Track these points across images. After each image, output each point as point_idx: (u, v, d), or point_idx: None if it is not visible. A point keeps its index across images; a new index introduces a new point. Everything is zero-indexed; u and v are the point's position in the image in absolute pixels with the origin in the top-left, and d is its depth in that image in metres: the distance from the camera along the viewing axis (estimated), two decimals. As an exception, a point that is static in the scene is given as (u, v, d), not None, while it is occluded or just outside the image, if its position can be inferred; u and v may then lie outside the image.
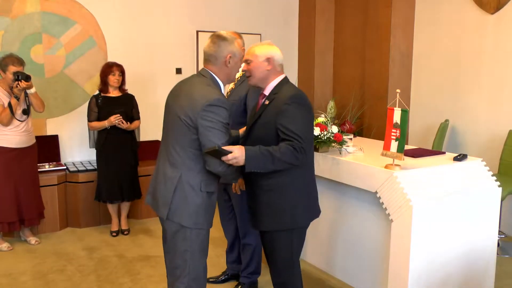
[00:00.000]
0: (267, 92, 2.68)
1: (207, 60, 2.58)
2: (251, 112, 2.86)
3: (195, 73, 2.70)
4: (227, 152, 2.34)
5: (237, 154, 2.37)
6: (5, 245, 4.38)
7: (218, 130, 2.39)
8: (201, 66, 6.08)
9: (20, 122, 4.26)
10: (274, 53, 2.65)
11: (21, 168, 4.36)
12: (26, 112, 4.29)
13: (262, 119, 2.61)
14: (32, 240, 4.54)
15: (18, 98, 4.18)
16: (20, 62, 4.24)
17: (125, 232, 4.79)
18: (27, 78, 4.14)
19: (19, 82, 4.11)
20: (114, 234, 4.75)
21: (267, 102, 2.63)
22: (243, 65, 3.34)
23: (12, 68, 4.16)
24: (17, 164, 4.33)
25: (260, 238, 2.83)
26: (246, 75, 2.73)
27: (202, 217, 2.53)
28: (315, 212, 2.74)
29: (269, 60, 2.64)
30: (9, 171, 4.30)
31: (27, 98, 4.29)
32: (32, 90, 4.29)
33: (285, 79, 2.70)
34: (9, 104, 4.15)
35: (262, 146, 2.47)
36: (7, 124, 4.19)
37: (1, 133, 4.22)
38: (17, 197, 4.37)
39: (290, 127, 2.47)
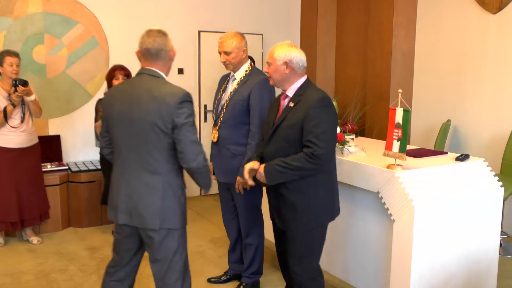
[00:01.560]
0: (290, 93, 2.69)
1: (154, 55, 2.47)
2: (270, 113, 2.85)
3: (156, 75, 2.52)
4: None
5: (259, 171, 2.64)
6: None
7: (192, 126, 2.41)
8: (202, 66, 6.07)
9: (18, 123, 4.26)
10: (292, 56, 2.63)
11: (23, 168, 4.37)
12: (22, 120, 4.28)
13: (288, 121, 2.62)
14: (34, 240, 4.55)
15: (14, 106, 4.17)
16: (15, 54, 4.25)
17: None
18: (25, 83, 4.12)
19: (17, 87, 4.09)
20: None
21: (291, 104, 2.64)
22: (248, 62, 3.37)
23: (9, 59, 4.17)
24: (19, 164, 4.34)
25: (278, 236, 2.87)
26: (268, 76, 2.75)
27: (185, 214, 2.56)
28: (336, 212, 2.78)
29: (287, 64, 2.64)
30: (10, 171, 4.30)
31: (23, 106, 4.27)
32: (32, 98, 4.26)
33: (308, 81, 2.72)
34: (4, 110, 4.15)
35: (283, 158, 2.57)
36: None
37: (1, 133, 4.22)
38: (19, 197, 4.38)
39: (315, 131, 2.50)
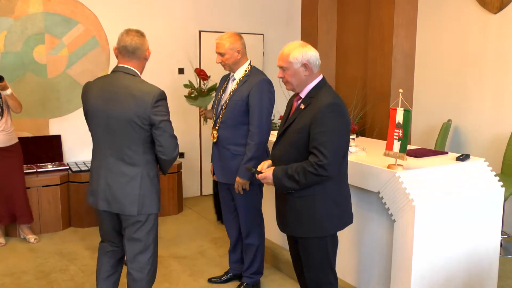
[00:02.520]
0: (303, 94, 2.58)
1: (131, 53, 2.66)
2: (284, 113, 2.77)
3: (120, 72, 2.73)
4: (259, 172, 2.63)
5: (266, 174, 2.56)
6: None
7: (169, 121, 2.63)
8: (203, 66, 6.06)
9: None
10: (309, 56, 2.51)
11: (2, 167, 4.36)
12: (0, 113, 4.28)
13: (296, 124, 2.53)
14: (32, 238, 4.55)
15: None
16: None
17: None
18: (0, 79, 4.13)
19: None
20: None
21: (302, 106, 2.54)
22: (248, 62, 3.35)
23: None
24: None
25: (290, 243, 2.82)
26: (283, 81, 2.61)
27: (160, 199, 2.81)
28: (347, 219, 2.69)
29: (305, 65, 2.51)
30: None
31: (0, 99, 4.27)
32: (8, 92, 4.25)
33: (323, 81, 2.59)
34: None
35: (291, 166, 2.48)
36: None
37: None
38: (2, 195, 4.40)
39: (321, 138, 2.40)
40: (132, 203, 2.65)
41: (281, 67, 2.57)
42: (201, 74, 4.24)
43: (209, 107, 4.25)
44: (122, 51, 2.66)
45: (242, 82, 3.30)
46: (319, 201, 2.53)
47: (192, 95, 4.24)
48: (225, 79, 3.49)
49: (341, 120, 2.48)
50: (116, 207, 2.68)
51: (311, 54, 2.53)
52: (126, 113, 2.56)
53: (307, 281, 2.73)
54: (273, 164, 2.68)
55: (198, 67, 5.89)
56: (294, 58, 2.51)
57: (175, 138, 2.67)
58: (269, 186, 2.69)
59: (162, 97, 2.60)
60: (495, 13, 4.67)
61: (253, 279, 3.55)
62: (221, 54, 3.28)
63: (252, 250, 3.49)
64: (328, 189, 2.53)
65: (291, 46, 2.55)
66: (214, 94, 4.23)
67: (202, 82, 4.29)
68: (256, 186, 3.37)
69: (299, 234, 2.63)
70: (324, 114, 2.43)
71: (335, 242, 2.69)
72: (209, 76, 4.25)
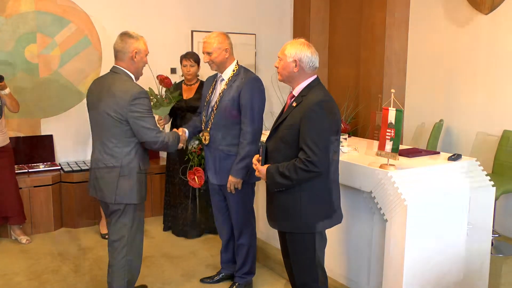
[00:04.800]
0: (296, 93, 2.67)
1: (116, 56, 2.94)
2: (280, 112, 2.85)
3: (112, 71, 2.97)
4: (266, 146, 2.71)
5: (261, 168, 2.67)
6: None
7: (147, 117, 2.85)
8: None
9: None
10: (302, 55, 2.60)
11: None
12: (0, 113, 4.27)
13: (288, 121, 2.60)
14: (23, 239, 4.53)
15: None
16: None
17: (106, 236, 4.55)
18: (0, 78, 4.11)
19: None
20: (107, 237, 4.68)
21: (294, 104, 2.62)
22: (235, 61, 3.34)
23: None
24: None
25: (280, 238, 2.84)
26: (277, 71, 2.71)
27: (144, 191, 3.03)
28: (335, 218, 2.71)
29: (296, 62, 2.61)
30: None
31: (0, 100, 4.26)
32: (6, 91, 4.25)
33: (315, 81, 2.66)
34: None
35: (282, 164, 2.55)
36: None
37: None
38: None
39: (310, 135, 2.47)
40: (111, 192, 2.90)
41: (279, 57, 2.70)
42: (166, 82, 4.25)
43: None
44: (114, 53, 2.94)
45: (232, 81, 3.29)
46: (306, 197, 2.58)
47: (152, 103, 4.22)
48: (212, 81, 3.48)
49: (330, 117, 2.55)
50: (100, 195, 2.97)
51: (305, 54, 2.61)
52: (107, 109, 2.81)
53: (295, 277, 2.75)
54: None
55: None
56: (289, 52, 2.63)
57: (153, 130, 2.88)
58: (260, 185, 2.71)
59: (139, 96, 2.80)
60: (486, 14, 4.70)
61: (245, 279, 3.55)
62: (208, 53, 3.28)
63: (244, 250, 3.48)
64: (316, 186, 2.58)
65: (292, 42, 2.69)
66: (174, 102, 4.25)
67: (164, 90, 4.28)
68: (249, 185, 3.37)
69: (286, 229, 2.67)
70: (313, 111, 2.50)
71: (323, 239, 2.72)
72: (174, 83, 4.35)
